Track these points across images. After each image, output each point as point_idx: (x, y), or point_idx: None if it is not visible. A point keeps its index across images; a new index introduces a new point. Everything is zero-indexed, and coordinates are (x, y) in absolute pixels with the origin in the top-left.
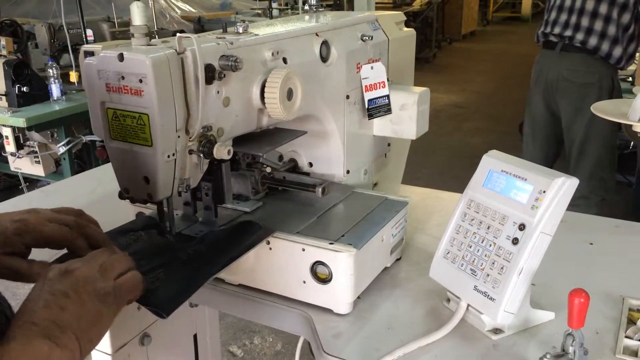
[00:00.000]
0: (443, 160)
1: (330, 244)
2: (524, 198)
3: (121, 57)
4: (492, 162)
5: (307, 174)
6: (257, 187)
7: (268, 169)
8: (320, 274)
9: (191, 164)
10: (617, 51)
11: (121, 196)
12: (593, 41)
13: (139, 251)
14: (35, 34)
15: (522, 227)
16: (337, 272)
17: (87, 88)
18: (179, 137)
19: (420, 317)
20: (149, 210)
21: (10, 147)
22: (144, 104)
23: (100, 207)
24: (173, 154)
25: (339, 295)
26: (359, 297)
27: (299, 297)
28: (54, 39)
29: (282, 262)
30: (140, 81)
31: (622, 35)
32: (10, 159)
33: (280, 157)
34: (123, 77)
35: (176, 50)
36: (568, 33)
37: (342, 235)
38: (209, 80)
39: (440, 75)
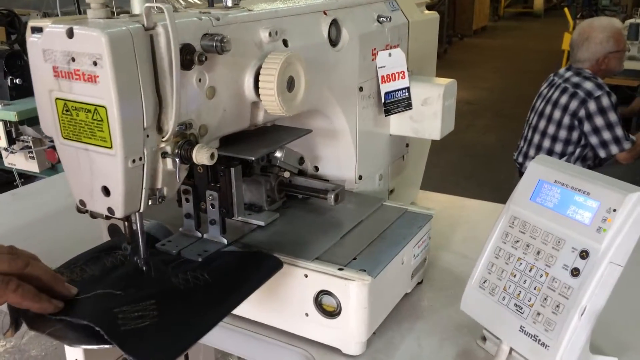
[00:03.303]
0: (454, 159)
1: (339, 269)
2: (587, 218)
3: (70, 33)
4: (542, 171)
5: (321, 178)
6: (273, 195)
7: (286, 174)
8: (327, 306)
9: (165, 170)
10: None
11: (79, 210)
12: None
13: (125, 275)
14: None
15: (584, 254)
16: (347, 305)
17: (33, 73)
18: (148, 136)
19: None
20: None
21: (1, 142)
22: (99, 93)
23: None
24: (140, 158)
25: (349, 332)
26: (373, 334)
27: (300, 332)
28: None
29: (280, 290)
30: (95, 64)
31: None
32: (3, 154)
33: (301, 160)
34: (73, 59)
35: (144, 26)
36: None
37: (354, 259)
38: (188, 64)
39: (452, 71)
